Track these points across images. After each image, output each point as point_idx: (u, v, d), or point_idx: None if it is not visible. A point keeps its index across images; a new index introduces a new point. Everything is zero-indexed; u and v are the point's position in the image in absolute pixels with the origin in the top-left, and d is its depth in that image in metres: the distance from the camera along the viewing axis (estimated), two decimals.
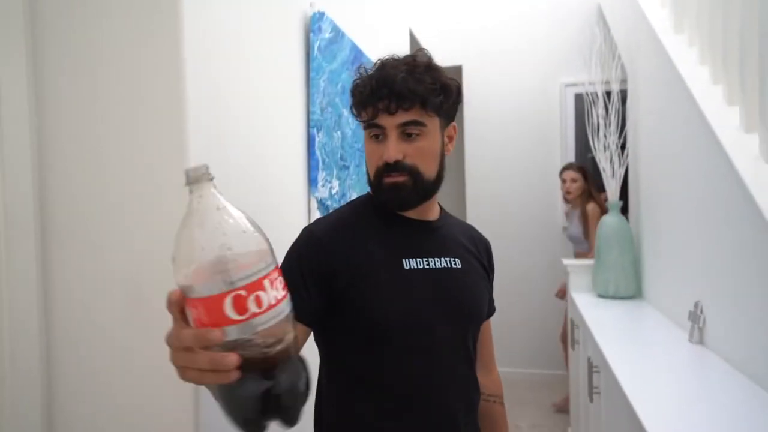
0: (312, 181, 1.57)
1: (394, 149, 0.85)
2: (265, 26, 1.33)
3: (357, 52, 1.93)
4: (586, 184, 3.25)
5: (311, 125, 1.57)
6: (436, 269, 0.91)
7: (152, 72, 0.96)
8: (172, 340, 0.50)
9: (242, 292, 0.47)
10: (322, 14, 1.60)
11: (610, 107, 2.81)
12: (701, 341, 1.76)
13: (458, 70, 3.95)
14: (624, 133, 2.80)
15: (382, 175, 0.87)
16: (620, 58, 2.83)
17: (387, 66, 0.86)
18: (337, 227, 0.91)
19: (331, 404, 0.91)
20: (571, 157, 3.75)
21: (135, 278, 0.98)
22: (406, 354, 0.87)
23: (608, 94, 2.86)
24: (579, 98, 3.64)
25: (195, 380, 0.49)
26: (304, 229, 0.93)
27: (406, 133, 0.86)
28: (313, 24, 1.57)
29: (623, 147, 2.79)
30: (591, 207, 3.21)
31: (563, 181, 3.31)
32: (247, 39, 1.23)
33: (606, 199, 2.98)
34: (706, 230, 1.73)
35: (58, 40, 0.98)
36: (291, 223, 1.44)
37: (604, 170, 2.83)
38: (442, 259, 0.93)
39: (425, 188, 0.89)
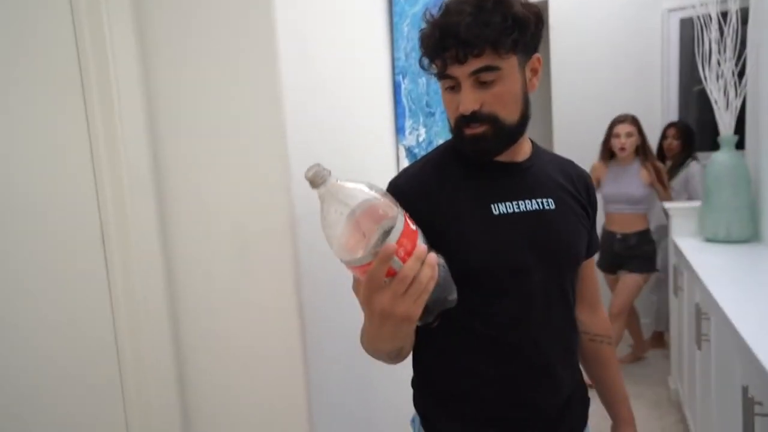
0: (399, 130, 1.56)
1: (469, 100, 0.80)
2: None
3: None
4: (640, 137, 2.90)
5: (396, 72, 1.54)
6: (527, 212, 0.88)
7: (244, 27, 0.97)
8: (394, 301, 0.63)
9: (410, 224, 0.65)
10: None
11: (726, 29, 2.49)
12: None
13: (544, 4, 3.68)
14: (742, 59, 2.48)
15: (461, 126, 0.84)
16: None
17: (451, 11, 0.79)
18: (421, 178, 0.90)
19: (428, 348, 0.93)
20: (673, 94, 3.43)
21: (241, 232, 1.03)
22: (496, 298, 0.86)
23: (724, 15, 2.53)
24: (685, 24, 3.27)
25: (425, 294, 0.64)
26: (390, 182, 0.92)
27: (480, 81, 0.80)
28: None
29: (740, 75, 2.49)
30: (659, 165, 2.92)
31: (616, 135, 2.90)
32: None
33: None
34: None
35: (161, 33, 1.01)
36: (381, 171, 1.45)
37: (716, 102, 2.55)
38: (534, 200, 0.89)
39: (509, 134, 0.85)
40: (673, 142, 3.25)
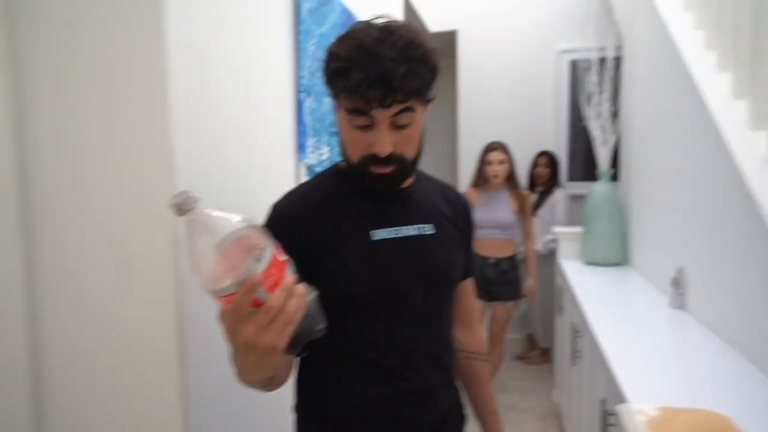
0: (301, 148, 1.56)
1: (386, 143, 0.80)
2: None
3: (348, 15, 1.88)
4: (510, 165, 2.92)
5: (300, 90, 1.54)
6: (405, 237, 0.91)
7: (132, 36, 0.93)
8: (258, 332, 0.60)
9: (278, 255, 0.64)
10: None
11: (603, 74, 2.78)
12: (681, 306, 1.80)
13: (453, 35, 3.88)
14: (617, 101, 2.77)
15: (368, 164, 0.83)
16: (617, 24, 2.78)
17: (378, 54, 0.75)
18: (304, 203, 0.90)
19: (308, 372, 0.93)
20: (563, 128, 3.72)
21: (118, 247, 0.97)
22: (374, 321, 0.88)
23: (603, 61, 2.82)
24: (575, 65, 3.60)
25: (291, 325, 0.62)
26: (272, 206, 0.91)
27: (397, 124, 0.80)
28: None
29: (615, 115, 2.78)
30: (526, 192, 2.99)
31: (489, 162, 2.90)
32: (231, 2, 1.19)
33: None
34: (691, 199, 1.74)
35: (37, 38, 0.95)
36: (281, 189, 1.43)
37: (595, 138, 2.82)
38: (414, 226, 0.92)
39: (410, 171, 0.89)
40: (543, 170, 3.49)
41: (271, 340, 0.60)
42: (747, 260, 1.31)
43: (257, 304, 0.59)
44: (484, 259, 2.92)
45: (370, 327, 0.88)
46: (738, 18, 1.43)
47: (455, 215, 1.01)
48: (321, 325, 0.68)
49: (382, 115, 0.79)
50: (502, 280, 2.92)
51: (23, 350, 0.96)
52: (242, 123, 1.24)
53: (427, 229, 0.94)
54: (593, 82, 2.80)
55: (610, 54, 2.76)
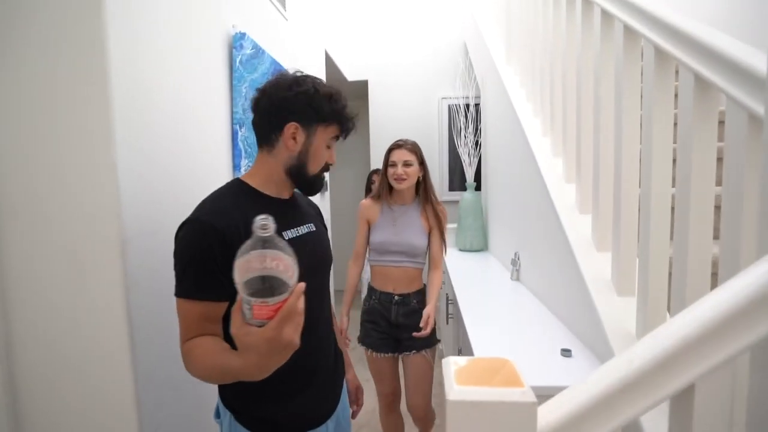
0: (236, 167, 1.53)
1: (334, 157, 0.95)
2: (193, 43, 1.26)
3: (276, 65, 1.87)
4: (422, 169, 1.71)
5: (234, 122, 1.52)
6: (303, 235, 0.93)
7: (77, 71, 0.88)
8: (295, 331, 0.58)
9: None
10: (243, 34, 1.54)
11: (468, 115, 2.96)
12: (518, 279, 1.96)
13: (365, 83, 3.94)
14: (478, 134, 2.96)
15: (323, 171, 0.93)
16: (476, 80, 2.97)
17: (344, 104, 0.93)
18: (226, 213, 0.81)
19: None
20: (444, 152, 3.78)
21: (72, 253, 0.91)
22: None
23: (467, 106, 3.00)
24: (451, 108, 3.78)
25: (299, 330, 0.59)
26: (195, 220, 0.79)
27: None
28: (236, 42, 1.50)
29: (477, 144, 2.96)
30: (442, 208, 1.74)
31: (393, 164, 1.68)
32: (175, 53, 1.16)
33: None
34: (522, 205, 1.90)
35: None
36: None
37: (464, 161, 2.98)
38: (304, 226, 0.95)
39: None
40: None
41: (296, 339, 0.58)
42: (551, 248, 1.47)
43: (277, 311, 0.55)
44: (386, 296, 1.69)
45: None
46: (544, 79, 1.58)
47: (318, 215, 1.07)
48: None
49: (332, 143, 0.95)
50: (411, 323, 1.66)
51: None
52: (186, 149, 1.21)
53: (311, 227, 0.97)
54: (462, 121, 2.97)
55: (472, 101, 2.95)
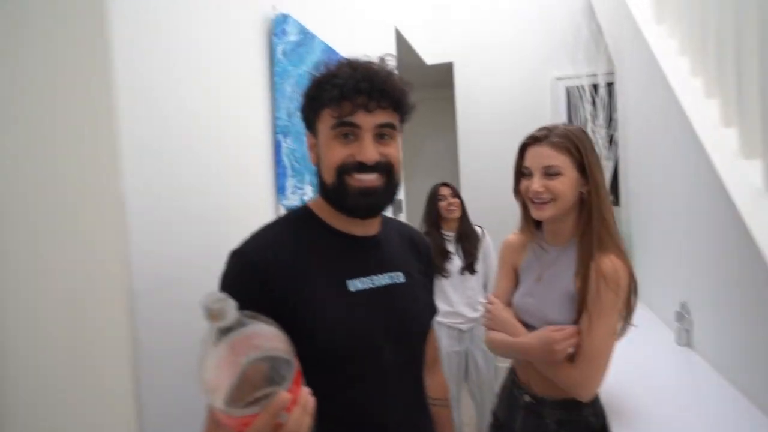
0: (280, 189, 1.51)
1: (372, 150, 0.79)
2: (222, 31, 1.27)
3: (331, 54, 1.86)
4: (584, 181, 1.35)
5: (277, 131, 1.50)
6: (380, 288, 0.85)
7: (83, 77, 0.91)
8: None
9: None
10: (285, 17, 1.54)
11: (597, 101, 2.72)
12: (689, 344, 1.69)
13: (449, 67, 3.87)
14: (612, 126, 2.71)
15: (347, 173, 0.80)
16: (606, 50, 2.74)
17: (366, 66, 0.81)
18: (275, 249, 0.80)
19: None
20: None
21: (75, 302, 0.92)
22: (355, 382, 0.81)
23: (596, 87, 2.78)
24: (571, 91, 3.55)
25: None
26: (234, 252, 0.81)
27: (381, 134, 0.81)
28: (276, 27, 1.50)
29: (611, 140, 2.71)
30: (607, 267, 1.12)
31: (526, 172, 1.21)
32: (200, 46, 1.17)
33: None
34: (689, 229, 1.65)
35: None
36: None
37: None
38: (386, 275, 0.87)
39: (393, 194, 0.85)
40: (453, 200, 2.57)
41: None
42: (747, 297, 1.22)
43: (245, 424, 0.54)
44: (517, 391, 1.28)
45: (349, 386, 0.80)
46: (721, 46, 1.37)
47: (420, 258, 0.97)
48: None
49: (368, 123, 0.79)
50: None
51: None
52: (214, 167, 1.21)
53: (399, 277, 0.88)
54: (587, 110, 2.75)
55: (602, 81, 2.71)
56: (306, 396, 0.57)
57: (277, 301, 0.76)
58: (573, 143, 1.12)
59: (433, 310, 0.98)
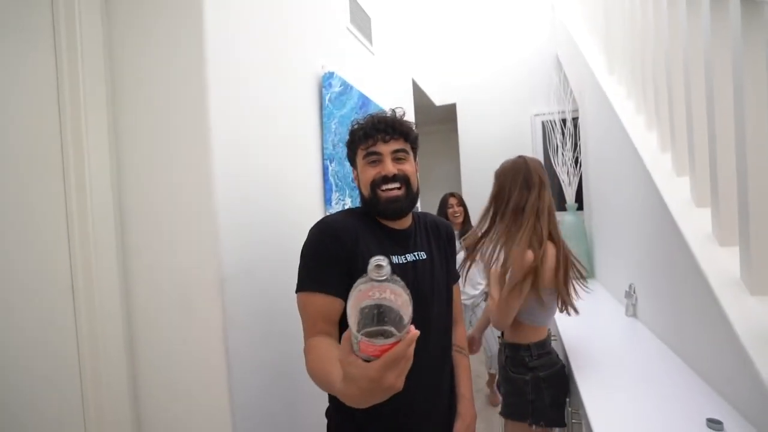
0: (327, 201, 1.56)
1: (391, 166, 0.88)
2: (286, 86, 1.32)
3: (365, 100, 1.91)
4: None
5: (325, 158, 1.56)
6: (410, 262, 0.91)
7: (182, 129, 0.96)
8: (398, 377, 0.53)
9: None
10: (332, 73, 1.59)
11: (565, 132, 2.70)
12: (635, 315, 1.67)
13: (453, 107, 3.88)
14: (577, 150, 2.68)
15: (378, 187, 0.88)
16: (572, 93, 2.72)
17: (382, 115, 0.91)
18: (346, 222, 0.88)
19: None
20: None
21: (184, 284, 0.97)
22: None
23: (564, 121, 2.75)
24: (545, 124, 3.52)
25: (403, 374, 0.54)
26: (320, 221, 0.89)
27: (397, 157, 0.89)
28: (325, 81, 1.56)
29: (576, 161, 2.68)
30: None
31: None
32: (269, 96, 1.22)
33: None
34: (634, 228, 1.63)
35: (131, 119, 1.00)
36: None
37: (562, 180, 2.72)
38: (413, 253, 0.93)
39: (413, 199, 0.91)
40: (458, 209, 2.56)
41: (399, 383, 0.54)
42: (680, 282, 1.21)
43: (384, 352, 0.51)
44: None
45: None
46: (657, 90, 1.36)
47: (441, 240, 1.01)
48: None
49: (386, 149, 0.88)
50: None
51: (125, 377, 0.97)
52: (280, 183, 1.25)
53: (422, 255, 0.94)
54: (558, 138, 2.73)
55: (569, 116, 2.69)
56: (416, 334, 0.54)
57: (348, 258, 0.82)
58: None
59: (451, 275, 1.02)
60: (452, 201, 2.59)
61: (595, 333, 1.57)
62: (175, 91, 0.97)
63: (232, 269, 0.99)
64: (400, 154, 0.89)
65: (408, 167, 0.90)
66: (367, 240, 0.87)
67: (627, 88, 1.74)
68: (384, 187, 0.87)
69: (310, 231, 0.87)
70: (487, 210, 1.28)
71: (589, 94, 2.29)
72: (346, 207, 1.69)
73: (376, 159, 0.88)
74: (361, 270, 0.76)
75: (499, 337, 1.41)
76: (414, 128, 0.93)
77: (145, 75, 0.98)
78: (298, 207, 1.36)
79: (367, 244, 0.86)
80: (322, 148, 1.55)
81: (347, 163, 1.72)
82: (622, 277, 1.84)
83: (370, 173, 0.89)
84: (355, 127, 0.93)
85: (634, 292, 1.66)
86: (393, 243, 0.91)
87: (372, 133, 0.88)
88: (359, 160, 0.92)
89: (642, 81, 1.54)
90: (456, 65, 3.84)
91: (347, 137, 0.95)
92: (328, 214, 1.55)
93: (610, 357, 1.31)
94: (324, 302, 0.80)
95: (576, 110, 2.69)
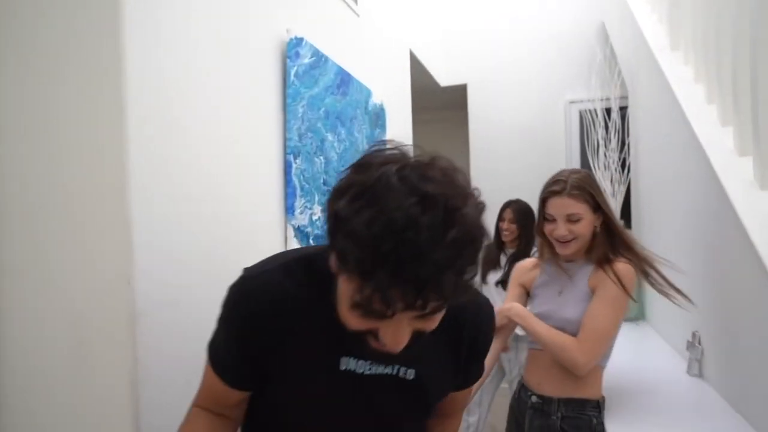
0: (289, 209, 1.50)
1: (402, 343, 0.62)
2: (235, 55, 1.28)
3: (344, 76, 1.86)
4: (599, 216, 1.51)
5: (288, 152, 1.50)
6: (376, 376, 0.72)
7: (93, 95, 0.92)
8: None
9: None
10: (300, 40, 1.54)
11: (610, 125, 2.69)
12: (700, 374, 1.63)
13: (463, 88, 3.86)
14: (624, 151, 2.67)
15: (366, 337, 0.64)
16: (620, 75, 2.71)
17: (422, 249, 0.53)
18: (283, 298, 0.70)
19: None
20: None
21: (78, 325, 0.92)
22: None
23: (608, 111, 2.74)
24: (584, 114, 3.51)
25: None
26: (243, 282, 0.73)
27: (419, 325, 0.63)
28: (290, 50, 1.50)
29: (623, 165, 2.67)
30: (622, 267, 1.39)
31: (550, 219, 1.54)
32: (210, 70, 1.17)
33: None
34: (701, 259, 1.60)
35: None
36: (266, 251, 1.37)
37: (605, 190, 2.70)
38: (392, 366, 0.73)
39: None
40: (510, 226, 2.56)
41: None
42: (761, 330, 1.16)
43: None
44: (524, 392, 1.46)
45: None
46: (736, 73, 1.33)
47: (455, 342, 0.79)
48: None
49: (404, 315, 0.58)
50: None
51: None
52: (222, 185, 1.20)
53: (409, 373, 0.74)
54: (600, 134, 2.71)
55: (615, 105, 2.68)
56: None
57: (265, 351, 0.71)
58: (587, 191, 1.35)
59: (463, 384, 0.87)
60: (506, 214, 2.57)
61: (645, 397, 1.53)
62: (75, 60, 0.91)
63: (148, 302, 0.95)
64: (428, 320, 0.61)
65: (429, 327, 0.64)
66: (305, 335, 0.70)
67: (696, 69, 1.71)
68: (374, 344, 0.64)
69: (229, 291, 0.72)
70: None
71: (644, 77, 2.27)
72: (315, 217, 1.63)
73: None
74: (283, 372, 0.68)
75: (532, 395, 1.37)
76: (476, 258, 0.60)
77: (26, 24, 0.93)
78: (246, 218, 1.31)
79: (304, 343, 0.70)
80: (285, 139, 1.50)
81: (317, 160, 1.67)
82: (683, 322, 1.81)
83: (361, 325, 0.61)
84: (347, 217, 0.55)
85: (700, 344, 1.63)
86: (355, 341, 0.65)
87: (391, 301, 0.54)
88: (343, 284, 0.61)
89: (717, 61, 1.52)
90: (468, 36, 3.83)
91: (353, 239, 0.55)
92: (290, 226, 1.48)
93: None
94: (222, 389, 0.77)
95: (625, 97, 2.68)
